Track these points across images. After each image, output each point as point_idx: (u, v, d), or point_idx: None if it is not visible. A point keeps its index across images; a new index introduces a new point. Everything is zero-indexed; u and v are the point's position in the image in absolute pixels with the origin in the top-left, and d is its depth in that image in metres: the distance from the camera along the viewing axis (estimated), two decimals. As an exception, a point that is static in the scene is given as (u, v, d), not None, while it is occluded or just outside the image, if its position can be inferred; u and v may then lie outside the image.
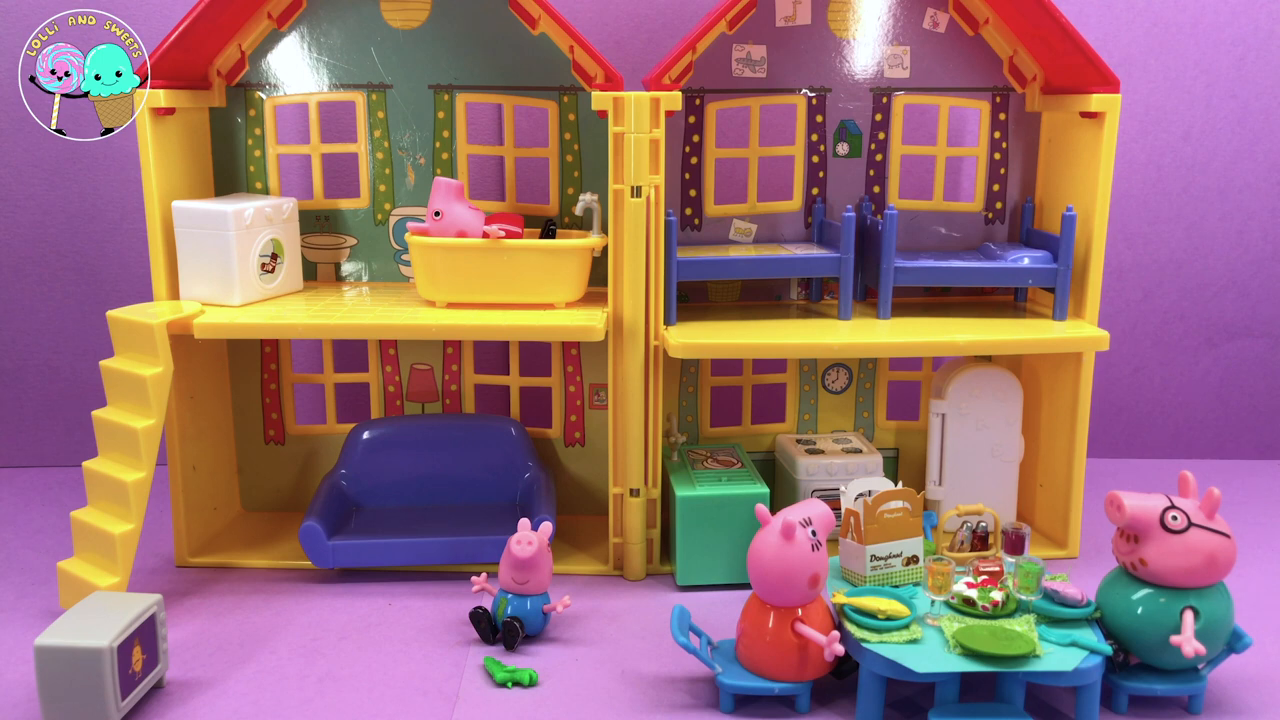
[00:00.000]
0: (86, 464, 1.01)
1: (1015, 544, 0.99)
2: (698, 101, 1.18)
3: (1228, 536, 0.82)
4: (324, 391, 1.26)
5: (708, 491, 1.06)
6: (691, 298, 1.22)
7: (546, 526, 0.97)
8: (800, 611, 0.84)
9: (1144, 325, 1.45)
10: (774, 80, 1.18)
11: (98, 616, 0.82)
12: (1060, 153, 1.18)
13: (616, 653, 0.94)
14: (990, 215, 1.24)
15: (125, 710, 0.81)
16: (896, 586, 0.91)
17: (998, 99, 1.21)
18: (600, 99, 1.03)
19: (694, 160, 1.19)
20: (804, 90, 1.19)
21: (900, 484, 0.95)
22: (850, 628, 0.83)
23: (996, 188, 1.23)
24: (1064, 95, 1.14)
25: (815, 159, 1.21)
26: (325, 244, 1.23)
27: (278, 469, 1.26)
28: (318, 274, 1.24)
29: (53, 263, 1.39)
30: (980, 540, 1.12)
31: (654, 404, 1.09)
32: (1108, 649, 0.81)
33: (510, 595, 0.96)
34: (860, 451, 1.17)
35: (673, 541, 1.09)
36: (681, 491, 1.06)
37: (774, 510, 0.88)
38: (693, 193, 1.20)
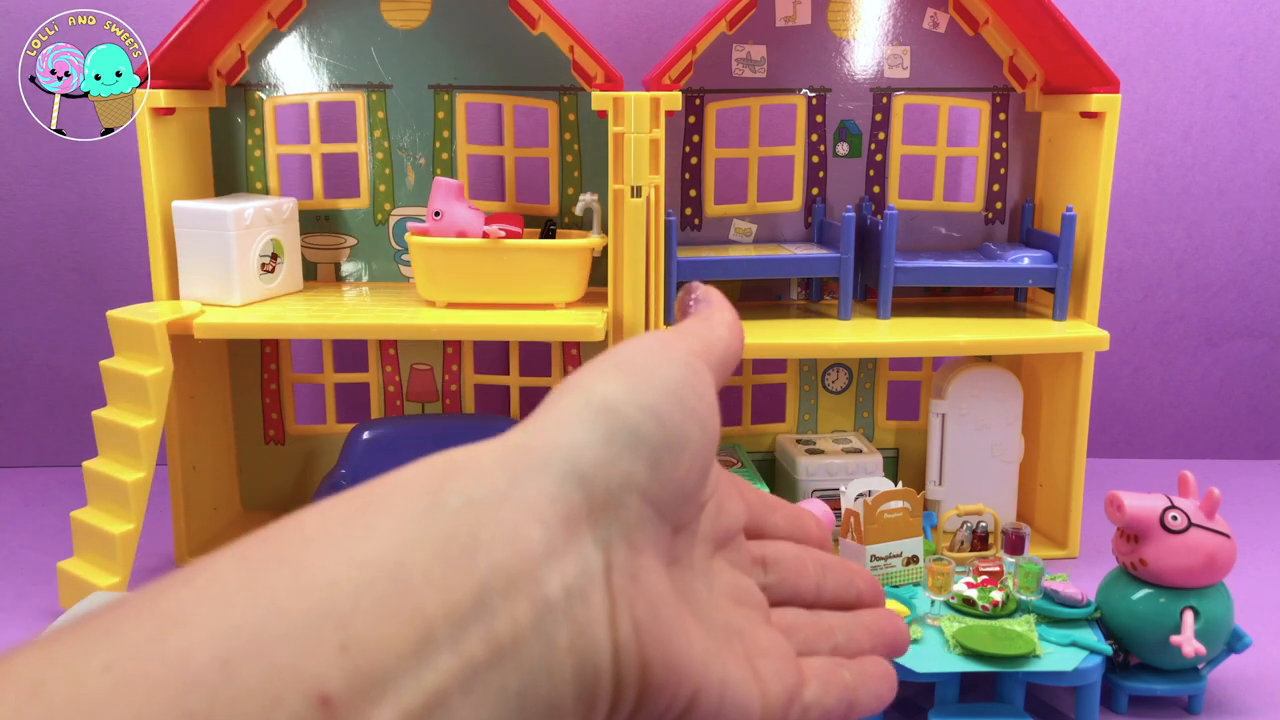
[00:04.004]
0: (86, 464, 1.01)
1: (1015, 544, 0.99)
2: (698, 101, 1.18)
3: (1228, 536, 0.82)
4: (324, 391, 1.26)
5: (708, 491, 1.05)
6: (691, 298, 1.22)
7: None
8: (800, 611, 0.84)
9: (1144, 325, 1.45)
10: (774, 80, 1.18)
11: (98, 616, 0.82)
12: (1060, 153, 1.18)
13: (616, 653, 0.94)
14: (990, 215, 1.24)
15: (125, 710, 0.81)
16: (896, 586, 0.91)
17: (998, 99, 1.21)
18: (600, 99, 1.03)
19: (694, 160, 1.19)
20: (804, 90, 1.19)
21: (900, 484, 0.95)
22: (850, 628, 0.83)
23: (996, 188, 1.23)
24: (1064, 95, 1.14)
25: (815, 159, 1.21)
26: (325, 244, 1.23)
27: (278, 469, 1.27)
28: (318, 274, 1.24)
29: (53, 263, 1.40)
30: (980, 540, 1.12)
31: (654, 404, 1.09)
32: (1108, 649, 0.81)
33: (510, 595, 0.96)
34: (860, 451, 1.17)
35: (673, 541, 1.09)
36: (681, 491, 1.06)
37: (774, 510, 0.88)
38: (693, 193, 1.20)
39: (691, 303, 0.33)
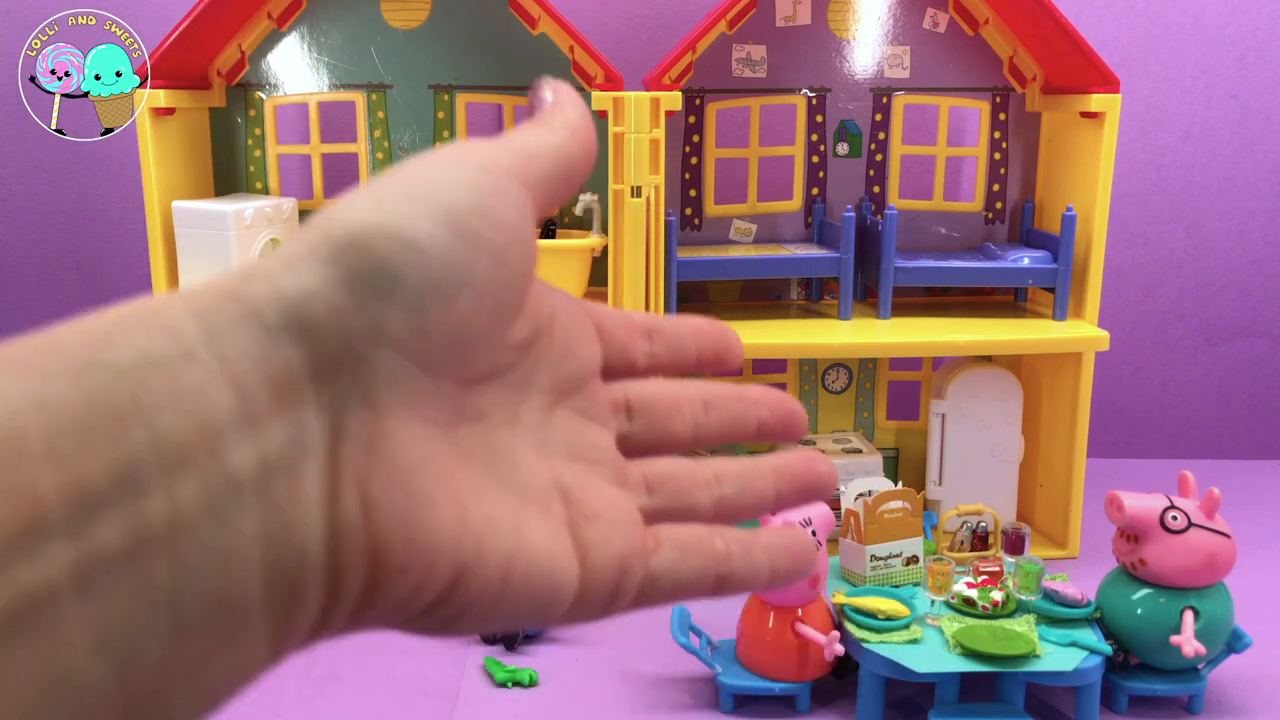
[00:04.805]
0: (86, 464, 1.01)
1: (1015, 544, 0.99)
2: (698, 101, 1.18)
3: (1228, 536, 0.82)
4: (324, 391, 1.26)
5: (708, 491, 1.05)
6: (691, 298, 1.22)
7: (546, 526, 0.97)
8: (800, 611, 0.84)
9: (1144, 325, 1.45)
10: (774, 80, 1.18)
11: (98, 616, 0.82)
12: (1060, 153, 1.18)
13: (616, 653, 0.94)
14: (990, 215, 1.24)
15: (125, 710, 0.81)
16: (896, 586, 0.91)
17: (998, 99, 1.21)
18: (600, 99, 1.03)
19: (694, 160, 1.19)
20: (804, 90, 1.19)
21: (900, 484, 0.95)
22: (850, 628, 0.83)
23: (996, 188, 1.23)
24: (1064, 95, 1.14)
25: (815, 159, 1.21)
26: (325, 244, 1.23)
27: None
28: (318, 274, 1.23)
29: (53, 263, 1.40)
30: (980, 540, 1.12)
31: (654, 404, 1.09)
32: (1108, 649, 0.81)
33: (510, 595, 0.96)
34: (860, 451, 1.17)
35: (673, 541, 1.09)
36: (681, 491, 1.06)
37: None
38: (693, 193, 1.20)
39: (535, 103, 0.27)
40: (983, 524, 1.11)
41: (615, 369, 0.28)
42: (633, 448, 0.28)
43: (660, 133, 1.04)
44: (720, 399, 0.29)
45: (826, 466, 0.29)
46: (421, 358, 0.21)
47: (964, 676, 0.81)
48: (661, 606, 0.25)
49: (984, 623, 0.84)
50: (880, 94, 1.20)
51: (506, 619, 0.23)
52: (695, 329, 0.30)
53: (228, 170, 1.20)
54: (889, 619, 0.83)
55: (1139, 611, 0.83)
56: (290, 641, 0.20)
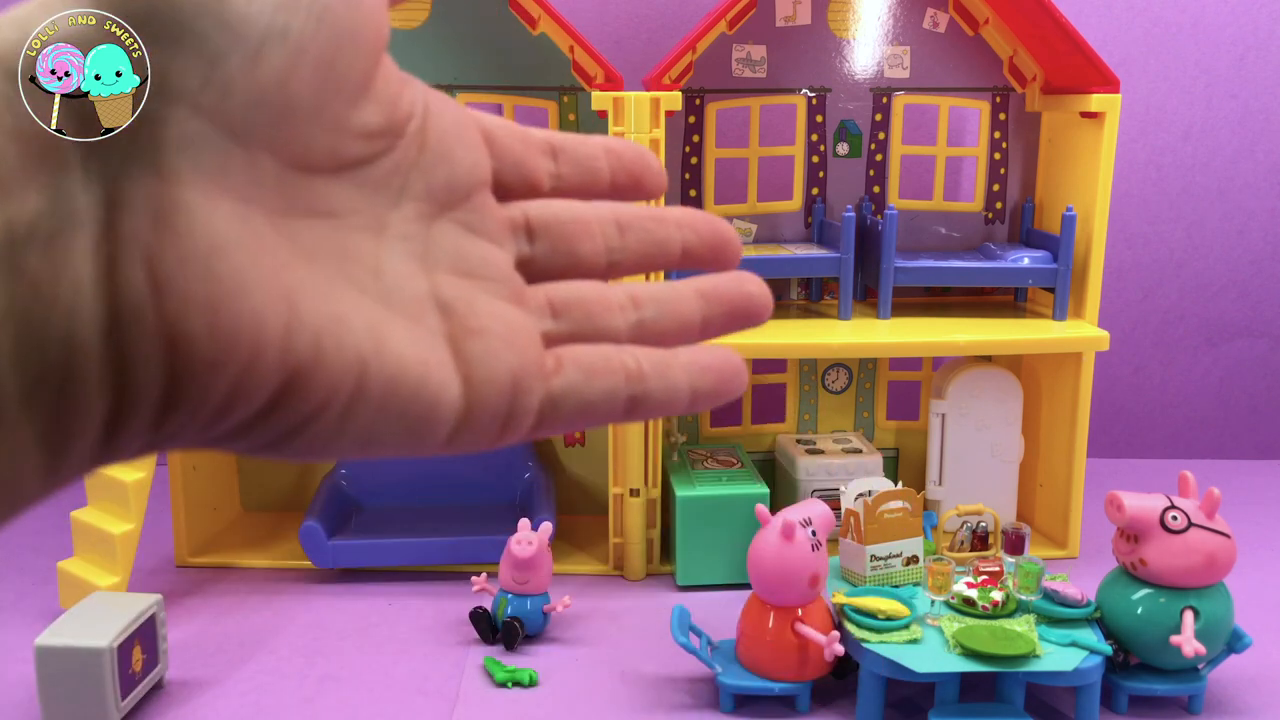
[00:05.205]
0: (86, 464, 1.01)
1: (1015, 544, 0.99)
2: (698, 101, 1.18)
3: (1228, 536, 0.82)
4: (324, 391, 1.26)
5: (708, 491, 1.06)
6: (691, 298, 1.22)
7: (546, 526, 0.97)
8: (800, 611, 0.84)
9: (1144, 325, 1.45)
10: (774, 80, 1.18)
11: (98, 616, 0.82)
12: (1060, 153, 1.18)
13: (616, 653, 0.94)
14: (990, 215, 1.24)
15: (125, 710, 0.81)
16: (896, 586, 0.91)
17: (998, 99, 1.21)
18: (600, 99, 1.03)
19: (694, 160, 1.19)
20: (804, 90, 1.19)
21: (900, 484, 0.95)
22: (850, 628, 0.83)
23: (996, 188, 1.23)
24: (1064, 95, 1.14)
25: (815, 159, 1.21)
26: (325, 244, 1.23)
27: (278, 469, 1.26)
28: (318, 274, 1.23)
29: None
30: (980, 540, 1.12)
31: (654, 404, 1.09)
32: (1108, 649, 0.81)
33: (510, 595, 0.96)
34: (860, 451, 1.17)
35: (673, 541, 1.09)
36: (681, 491, 1.06)
37: (774, 510, 0.88)
38: (693, 193, 1.20)
39: None
40: (983, 524, 1.11)
41: (512, 188, 0.25)
42: (537, 273, 0.24)
43: (660, 133, 1.04)
44: (637, 220, 0.26)
45: (758, 286, 0.26)
46: (225, 121, 0.18)
47: (964, 676, 0.81)
48: (568, 430, 0.23)
49: (984, 623, 0.84)
50: (880, 94, 1.20)
51: (367, 438, 0.20)
52: (607, 147, 0.26)
53: (228, 170, 1.20)
54: (889, 619, 0.83)
55: (1139, 611, 0.83)
56: (74, 447, 0.17)
